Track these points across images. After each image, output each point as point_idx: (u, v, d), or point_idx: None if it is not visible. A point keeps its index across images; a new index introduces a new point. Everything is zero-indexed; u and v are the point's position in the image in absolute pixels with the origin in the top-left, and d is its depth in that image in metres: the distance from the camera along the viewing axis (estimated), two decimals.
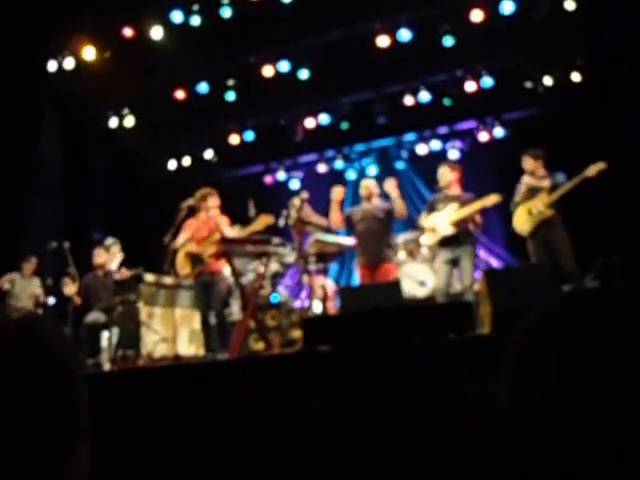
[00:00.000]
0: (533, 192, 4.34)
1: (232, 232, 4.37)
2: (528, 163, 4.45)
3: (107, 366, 4.37)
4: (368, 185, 4.82)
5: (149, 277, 5.07)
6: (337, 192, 4.70)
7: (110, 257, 5.34)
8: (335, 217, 4.60)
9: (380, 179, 8.20)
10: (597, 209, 5.11)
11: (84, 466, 0.54)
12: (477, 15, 6.07)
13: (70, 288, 5.14)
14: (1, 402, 0.48)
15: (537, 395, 0.43)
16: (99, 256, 5.27)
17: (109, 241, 5.52)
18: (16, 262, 5.48)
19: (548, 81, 6.41)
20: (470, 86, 6.67)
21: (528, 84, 6.50)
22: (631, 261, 4.25)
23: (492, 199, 4.21)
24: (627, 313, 0.43)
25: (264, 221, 4.20)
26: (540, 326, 0.46)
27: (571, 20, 5.86)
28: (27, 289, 5.44)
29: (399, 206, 4.52)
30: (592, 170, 4.09)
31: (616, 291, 0.46)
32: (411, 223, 6.23)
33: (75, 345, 0.56)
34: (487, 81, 6.61)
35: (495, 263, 6.77)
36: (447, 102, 6.88)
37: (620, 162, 5.26)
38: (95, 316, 4.99)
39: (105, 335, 4.89)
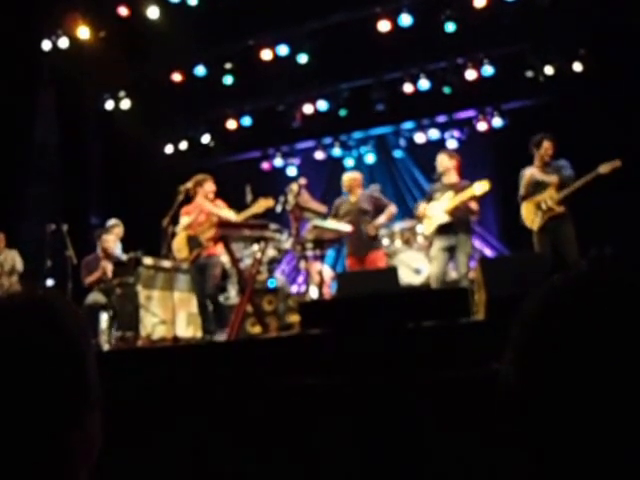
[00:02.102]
0: (539, 186, 4.23)
1: (231, 214, 4.39)
2: (550, 148, 4.22)
3: (106, 347, 4.42)
4: (347, 179, 4.89)
5: (147, 260, 5.12)
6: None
7: (114, 239, 5.45)
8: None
9: (378, 167, 8.19)
10: (596, 201, 5.10)
11: (97, 435, 0.57)
12: (480, 1, 6.01)
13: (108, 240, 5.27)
14: (17, 373, 0.51)
15: (542, 373, 0.45)
16: (107, 241, 5.39)
17: (112, 222, 5.58)
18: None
19: (549, 70, 6.36)
20: (471, 74, 6.62)
21: (529, 73, 6.44)
22: (626, 252, 4.29)
23: (483, 188, 4.21)
24: (625, 294, 0.45)
25: (264, 204, 4.23)
26: (544, 306, 0.48)
27: (575, 9, 5.81)
28: (4, 265, 5.49)
29: (387, 219, 4.72)
30: (606, 167, 3.98)
31: (614, 274, 0.48)
32: (408, 212, 6.26)
33: (86, 320, 0.60)
34: (488, 69, 6.56)
35: (489, 253, 6.85)
36: (447, 90, 6.85)
37: (621, 153, 5.27)
38: (94, 297, 5.07)
39: (104, 317, 4.95)
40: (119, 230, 5.55)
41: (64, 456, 0.52)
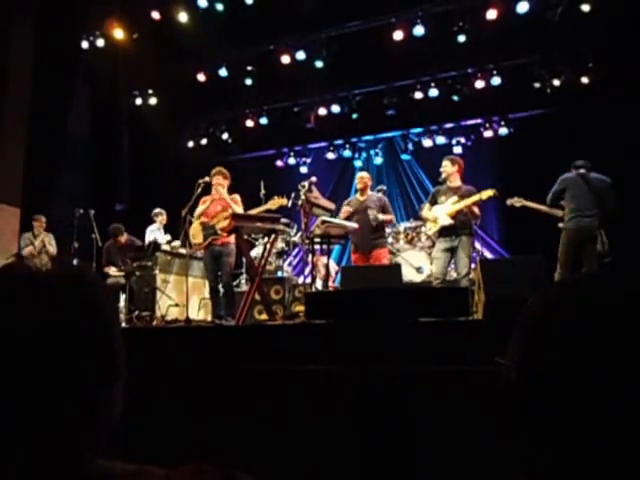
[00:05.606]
0: None
1: (241, 210, 4.34)
2: None
3: (123, 324, 4.42)
4: (363, 177, 4.83)
5: (166, 247, 5.11)
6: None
7: (158, 226, 5.66)
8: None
9: (384, 169, 8.06)
10: None
11: (119, 404, 0.56)
12: (492, 13, 5.87)
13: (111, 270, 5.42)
14: (52, 342, 0.50)
15: (544, 370, 0.44)
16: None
17: (157, 210, 5.77)
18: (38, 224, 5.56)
19: (557, 82, 6.19)
20: (479, 84, 6.50)
21: (537, 84, 6.28)
22: (626, 263, 4.13)
23: (487, 193, 4.18)
24: (627, 297, 0.44)
25: (278, 202, 4.18)
26: (549, 305, 0.46)
27: (585, 23, 5.61)
28: (38, 246, 5.54)
29: (387, 220, 4.75)
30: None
31: (617, 277, 0.46)
32: (413, 212, 6.13)
33: (112, 295, 0.55)
34: (496, 80, 6.43)
35: (489, 256, 6.68)
36: (455, 98, 6.70)
37: (625, 166, 5.07)
38: (115, 278, 5.12)
39: (122, 296, 5.00)
40: (162, 218, 5.74)
41: (91, 423, 0.52)
